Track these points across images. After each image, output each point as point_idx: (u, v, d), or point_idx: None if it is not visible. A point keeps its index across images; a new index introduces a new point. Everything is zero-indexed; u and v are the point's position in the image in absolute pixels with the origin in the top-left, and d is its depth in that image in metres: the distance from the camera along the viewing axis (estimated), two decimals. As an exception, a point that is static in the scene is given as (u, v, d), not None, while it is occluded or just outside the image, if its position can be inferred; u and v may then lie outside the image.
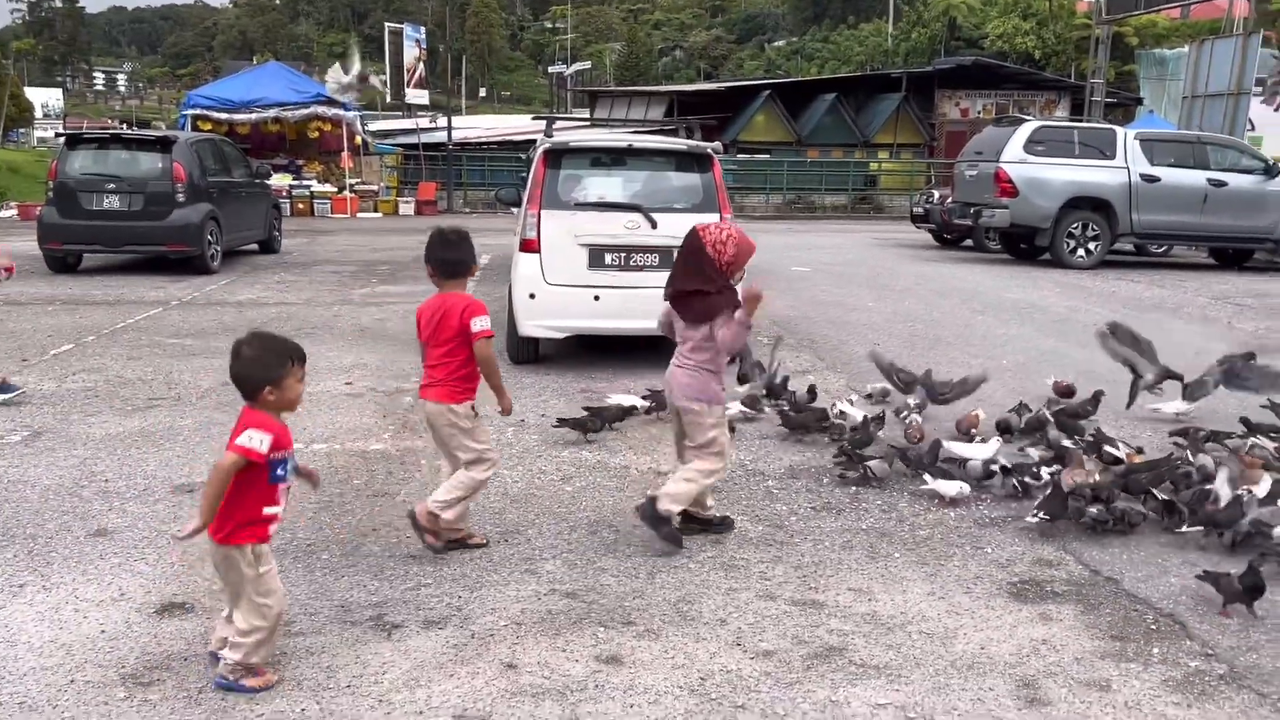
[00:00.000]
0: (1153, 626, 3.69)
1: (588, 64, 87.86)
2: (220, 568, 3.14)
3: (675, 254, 4.56)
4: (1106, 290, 12.71)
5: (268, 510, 3.13)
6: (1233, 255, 16.34)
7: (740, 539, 4.46)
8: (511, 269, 8.05)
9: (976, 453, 5.19)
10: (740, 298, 4.22)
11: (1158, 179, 14.80)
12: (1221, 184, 14.86)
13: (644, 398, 6.32)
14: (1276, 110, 21.81)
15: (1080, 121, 20.04)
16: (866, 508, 4.87)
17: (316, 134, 24.59)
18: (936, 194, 18.59)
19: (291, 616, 3.54)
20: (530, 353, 7.93)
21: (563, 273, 7.50)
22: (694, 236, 4.26)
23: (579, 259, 7.52)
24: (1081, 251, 14.94)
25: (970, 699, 3.18)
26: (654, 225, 7.49)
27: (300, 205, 24.03)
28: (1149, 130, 17.12)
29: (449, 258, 4.14)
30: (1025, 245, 16.19)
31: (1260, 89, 19.18)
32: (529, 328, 7.61)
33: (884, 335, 9.11)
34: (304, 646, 3.41)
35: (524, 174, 11.23)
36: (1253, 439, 5.49)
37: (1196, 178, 14.91)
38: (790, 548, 4.38)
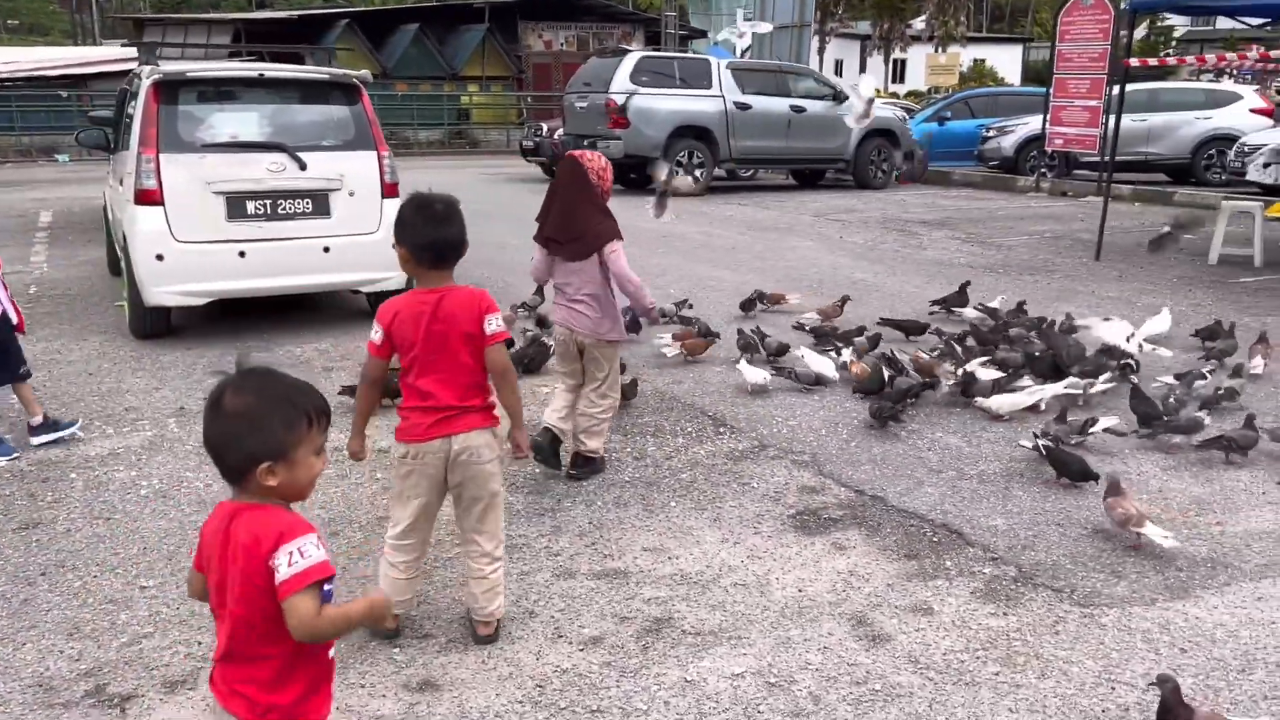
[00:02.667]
0: (935, 539, 3.79)
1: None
2: None
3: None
4: (724, 215, 13.38)
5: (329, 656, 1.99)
6: (809, 175, 17.94)
7: (508, 513, 4.00)
8: (122, 226, 6.75)
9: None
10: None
11: (750, 106, 15.78)
12: (801, 110, 16.16)
13: None
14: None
15: (660, 51, 20.87)
16: (620, 458, 4.59)
17: None
18: (545, 126, 18.54)
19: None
20: (161, 324, 6.73)
21: (196, 228, 6.38)
22: (576, 165, 4.07)
23: (215, 210, 6.43)
24: (690, 178, 15.62)
25: (817, 650, 3.04)
26: (303, 166, 6.59)
27: None
28: (739, 60, 18.19)
29: (442, 237, 2.89)
30: (635, 175, 16.65)
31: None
32: (159, 295, 6.41)
33: (516, 266, 8.81)
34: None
35: (105, 112, 9.57)
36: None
37: (781, 104, 16.08)
38: (563, 515, 4.01)
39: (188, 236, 6.36)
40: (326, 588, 1.84)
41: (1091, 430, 4.59)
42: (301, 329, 6.95)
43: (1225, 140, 17.09)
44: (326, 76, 7.00)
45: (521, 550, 3.70)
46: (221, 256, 6.45)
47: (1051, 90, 15.58)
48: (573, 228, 4.10)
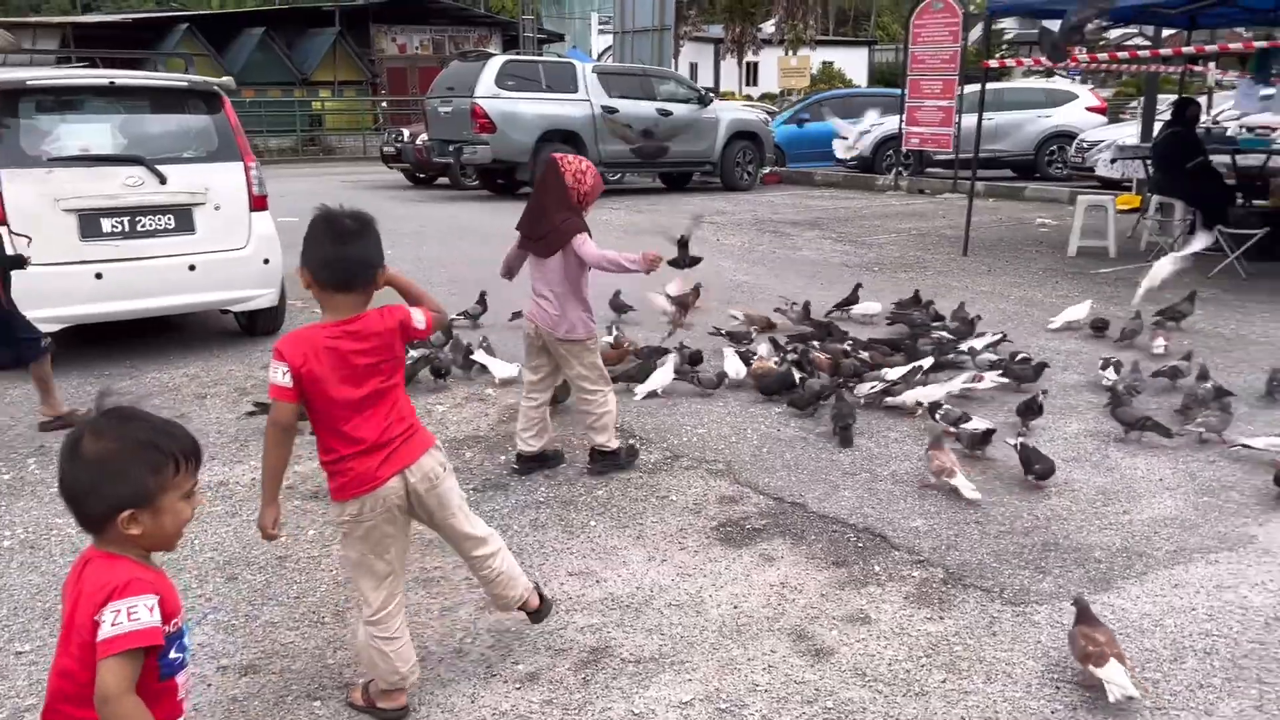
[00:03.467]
0: (859, 544, 3.77)
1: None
2: None
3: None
4: (601, 219, 13.27)
5: None
6: (676, 178, 18.03)
7: (420, 544, 3.79)
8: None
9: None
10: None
11: (616, 110, 15.74)
12: (668, 113, 16.22)
13: None
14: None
15: (524, 55, 20.63)
16: (532, 478, 4.43)
17: None
18: (407, 132, 18.07)
19: None
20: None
21: (46, 249, 5.88)
22: (555, 167, 4.13)
23: (67, 229, 5.94)
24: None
25: (763, 669, 2.96)
26: (163, 180, 6.17)
27: None
28: (605, 64, 18.13)
29: (345, 255, 2.55)
30: (503, 180, 16.42)
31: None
32: (6, 323, 5.88)
33: (438, 282, 8.50)
34: None
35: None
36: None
37: (648, 108, 16.10)
38: (519, 552, 3.81)
39: (36, 259, 5.84)
40: (173, 655, 1.77)
41: (964, 425, 4.69)
42: (168, 354, 6.51)
43: (1065, 137, 18.02)
44: (185, 84, 6.56)
45: (440, 584, 3.50)
46: (75, 279, 5.96)
47: (906, 91, 16.13)
48: (541, 225, 4.15)
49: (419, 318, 2.66)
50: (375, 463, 2.58)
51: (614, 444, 4.44)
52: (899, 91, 23.11)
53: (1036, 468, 4.21)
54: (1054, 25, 7.79)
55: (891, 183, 17.00)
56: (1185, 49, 10.03)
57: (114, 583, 1.68)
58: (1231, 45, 9.52)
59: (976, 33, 17.66)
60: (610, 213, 14.00)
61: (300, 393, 2.49)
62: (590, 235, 4.14)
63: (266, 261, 6.58)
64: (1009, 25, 39.80)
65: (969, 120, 15.23)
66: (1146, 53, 10.70)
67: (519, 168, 15.32)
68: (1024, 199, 15.14)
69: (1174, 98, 11.78)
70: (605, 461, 4.46)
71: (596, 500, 4.19)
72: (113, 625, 1.65)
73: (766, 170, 17.81)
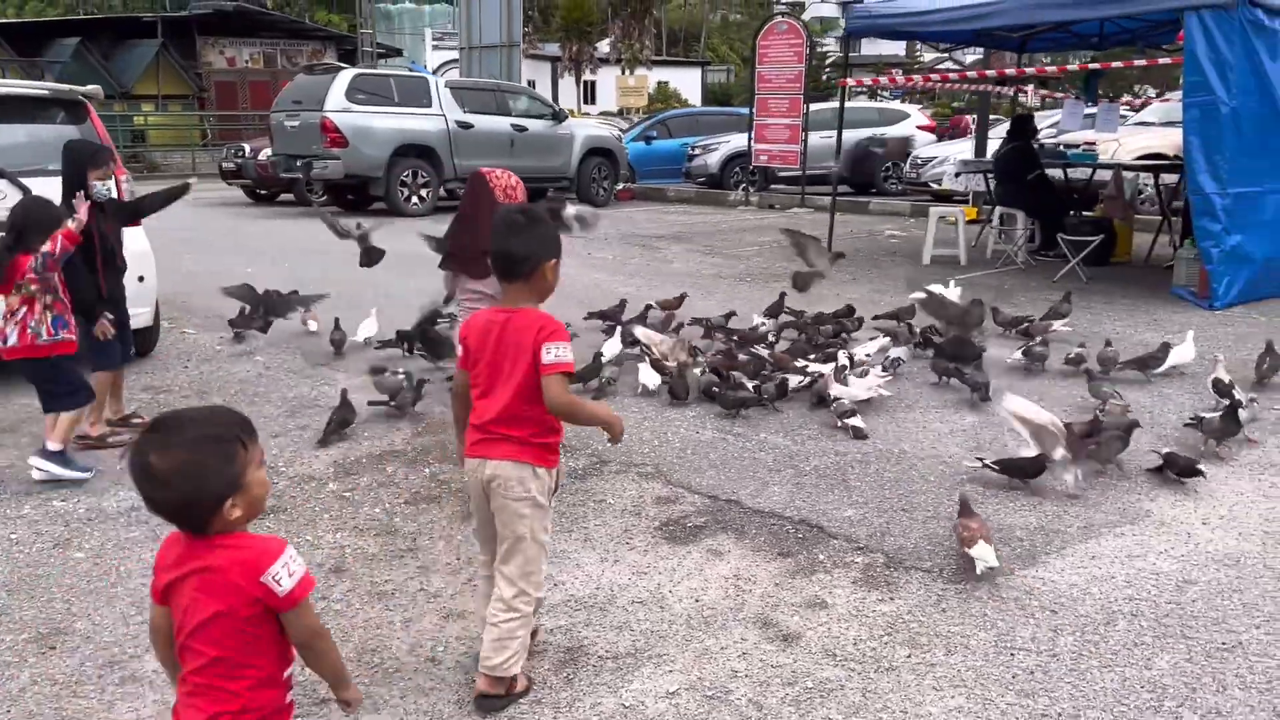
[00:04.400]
0: (799, 536, 3.91)
1: None
2: None
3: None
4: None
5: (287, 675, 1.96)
6: (531, 194, 18.01)
7: (365, 560, 3.71)
8: None
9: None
10: None
11: (472, 125, 15.66)
12: (524, 129, 16.24)
13: None
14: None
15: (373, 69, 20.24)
16: (462, 489, 4.39)
17: None
18: (249, 147, 17.41)
19: None
20: None
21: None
22: (482, 183, 4.00)
23: (-82, 245, 5.50)
24: (415, 199, 15.24)
25: (738, 656, 3.05)
26: (26, 193, 5.78)
27: None
28: (458, 79, 17.98)
29: (500, 249, 2.73)
30: (353, 196, 16.05)
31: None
32: None
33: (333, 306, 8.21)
34: None
35: None
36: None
37: (503, 124, 16.09)
38: (426, 553, 3.77)
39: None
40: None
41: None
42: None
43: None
44: (47, 93, 6.20)
45: (396, 595, 3.44)
46: (-71, 299, 5.52)
47: (754, 109, 16.70)
48: (474, 246, 3.98)
49: (551, 355, 2.61)
50: (472, 439, 2.75)
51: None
52: (743, 110, 24.01)
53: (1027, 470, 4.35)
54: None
55: (742, 198, 17.52)
56: (1028, 70, 10.82)
57: (260, 550, 1.81)
58: (1067, 67, 10.31)
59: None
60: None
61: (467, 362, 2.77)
62: None
63: (141, 279, 6.24)
64: (831, 48, 41.57)
65: (813, 137, 15.97)
66: (976, 74, 11.47)
67: (372, 183, 15.03)
68: (869, 212, 15.88)
69: (1001, 116, 12.74)
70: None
71: (534, 507, 4.18)
72: (290, 577, 1.81)
73: (620, 187, 18.05)
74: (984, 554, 3.46)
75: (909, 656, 3.05)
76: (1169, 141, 12.71)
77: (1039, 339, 6.34)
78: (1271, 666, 2.96)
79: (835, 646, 3.11)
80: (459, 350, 2.83)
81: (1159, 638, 3.13)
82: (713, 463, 4.68)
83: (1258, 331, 7.08)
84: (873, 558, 3.72)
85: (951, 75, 10.53)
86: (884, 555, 3.74)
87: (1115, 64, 10.12)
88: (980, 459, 4.47)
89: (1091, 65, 9.71)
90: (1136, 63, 9.01)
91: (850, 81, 10.60)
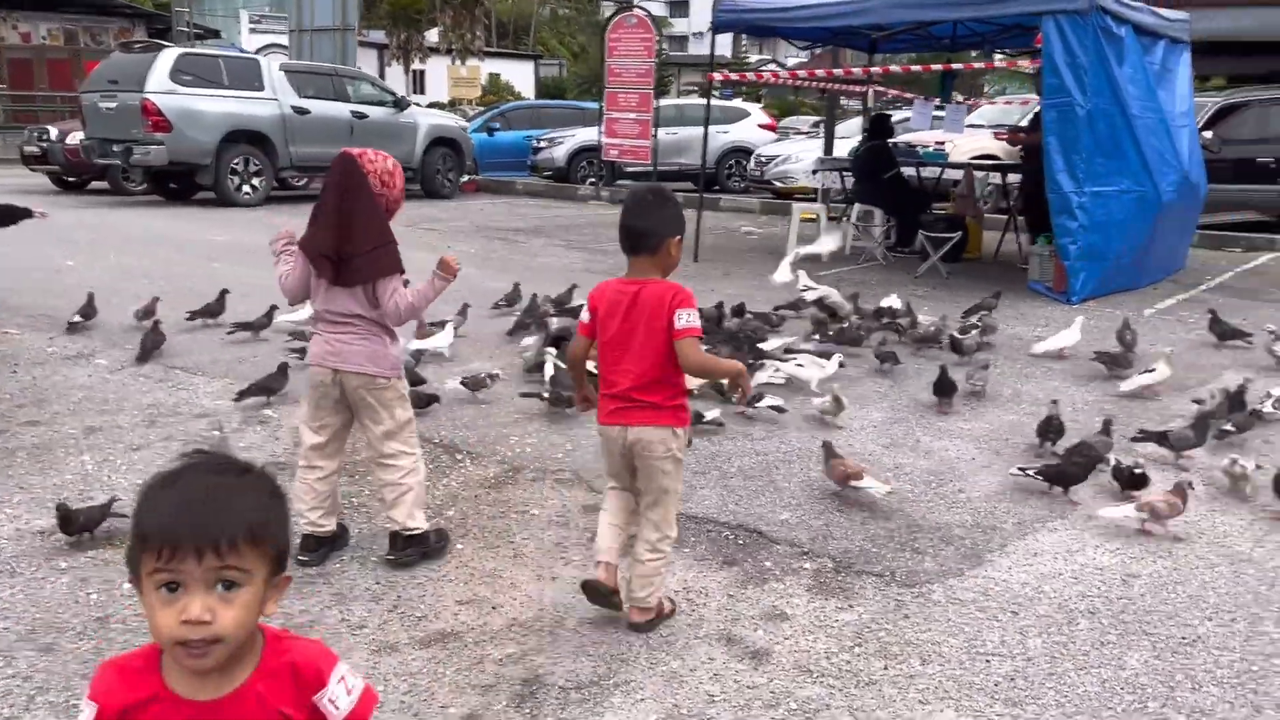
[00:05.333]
0: (740, 542, 3.73)
1: None
2: None
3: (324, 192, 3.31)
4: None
5: None
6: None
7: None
8: None
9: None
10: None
11: (308, 111, 14.83)
12: (364, 115, 15.50)
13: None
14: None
15: (206, 49, 18.93)
16: (365, 503, 3.98)
17: None
18: (55, 130, 15.93)
19: None
20: None
21: None
22: (352, 165, 3.21)
23: None
24: (247, 188, 14.31)
25: (709, 678, 2.84)
26: None
27: None
28: (293, 62, 16.98)
29: (627, 225, 2.98)
30: (176, 185, 14.97)
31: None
32: None
33: (135, 295, 7.44)
34: None
35: None
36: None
37: (342, 110, 15.32)
38: (340, 579, 3.38)
39: None
40: None
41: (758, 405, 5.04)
42: None
43: (742, 152, 19.28)
44: None
45: (314, 629, 3.05)
46: None
47: (604, 104, 16.50)
48: (346, 244, 3.23)
49: (684, 320, 2.85)
50: (609, 408, 2.98)
51: (422, 524, 3.45)
52: (583, 104, 23.78)
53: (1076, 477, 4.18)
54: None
55: (592, 193, 17.30)
56: (893, 68, 11.04)
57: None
58: (922, 66, 10.56)
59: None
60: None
61: (594, 330, 3.01)
62: (402, 275, 3.35)
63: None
64: (666, 49, 42.02)
65: (660, 133, 15.92)
66: (843, 72, 11.66)
67: (200, 170, 14.02)
68: (720, 209, 15.96)
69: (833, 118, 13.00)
70: (411, 548, 3.42)
71: (452, 522, 3.84)
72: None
73: (465, 179, 17.53)
74: (872, 483, 3.94)
75: (885, 668, 2.90)
76: (999, 144, 13.33)
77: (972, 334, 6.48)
78: (1235, 660, 2.97)
79: (807, 661, 2.93)
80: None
81: (1122, 635, 3.10)
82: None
83: (1113, 325, 7.41)
84: (820, 563, 3.57)
85: (818, 73, 10.60)
86: (830, 560, 3.59)
87: (977, 65, 10.49)
88: (1021, 468, 4.31)
89: (955, 66, 9.97)
90: (996, 64, 9.25)
91: (717, 76, 10.49)
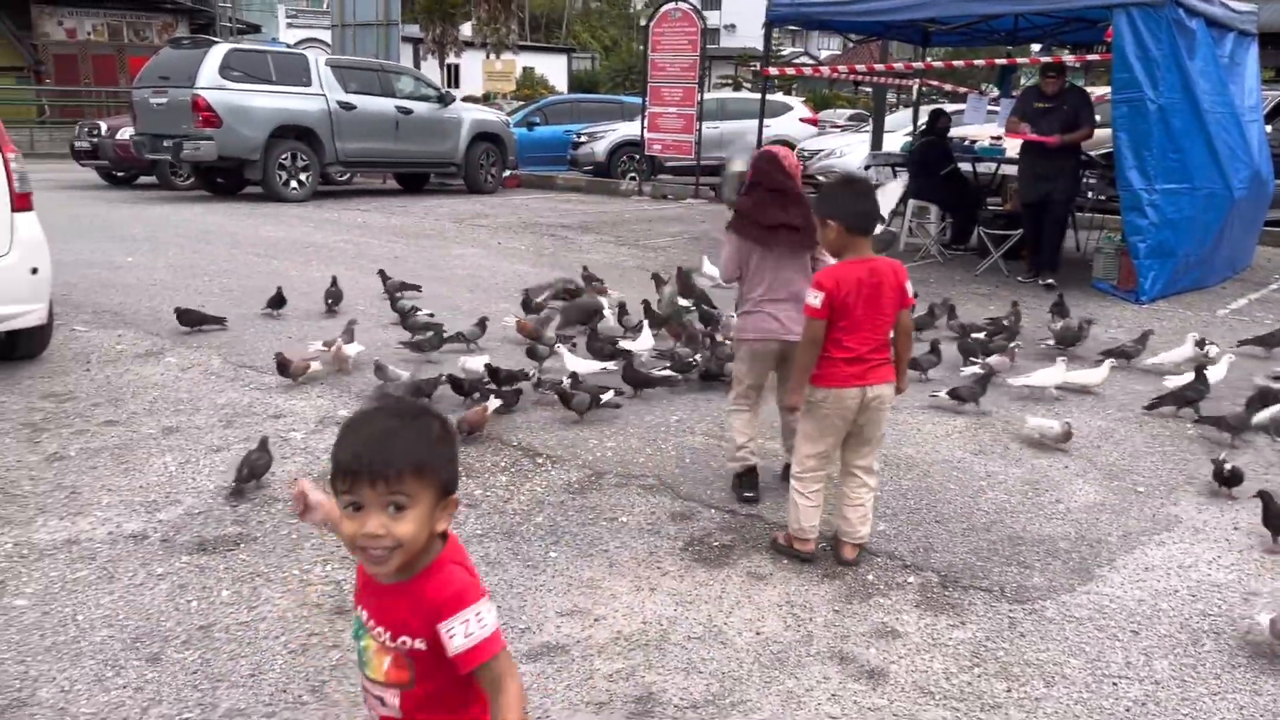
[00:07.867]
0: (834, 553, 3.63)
1: None
2: None
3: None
4: (356, 222, 12.42)
5: None
6: (412, 179, 17.27)
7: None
8: None
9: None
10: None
11: (354, 106, 14.81)
12: (409, 111, 15.48)
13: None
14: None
15: (254, 45, 19.01)
16: (472, 505, 3.93)
17: None
18: (105, 125, 16.04)
19: None
20: None
21: None
22: (776, 161, 3.93)
23: None
24: (294, 183, 14.33)
25: (827, 699, 2.75)
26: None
27: None
28: (339, 58, 16.99)
29: (865, 210, 3.34)
30: (223, 180, 15.01)
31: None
32: None
33: (199, 292, 7.45)
34: None
35: None
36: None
37: (387, 105, 15.27)
38: (491, 596, 3.31)
39: None
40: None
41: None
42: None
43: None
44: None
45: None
46: None
47: (647, 98, 16.40)
48: (791, 213, 3.83)
49: (912, 289, 3.40)
50: (852, 372, 3.31)
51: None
52: (622, 98, 23.70)
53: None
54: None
55: (634, 188, 17.21)
56: (935, 64, 10.84)
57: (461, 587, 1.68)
58: (975, 61, 10.37)
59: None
60: (362, 214, 13.17)
61: (830, 311, 3.25)
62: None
63: (34, 271, 5.47)
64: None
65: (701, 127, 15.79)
66: (904, 66, 11.51)
67: (249, 166, 14.04)
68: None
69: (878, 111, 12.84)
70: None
71: (540, 528, 3.77)
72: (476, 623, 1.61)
73: (507, 174, 17.48)
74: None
75: (1009, 690, 2.80)
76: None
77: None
78: (1378, 686, 2.85)
79: (926, 682, 2.84)
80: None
81: (1252, 658, 2.98)
82: (716, 473, 4.34)
83: (1187, 326, 7.23)
84: (925, 577, 3.47)
85: (877, 67, 10.44)
86: (935, 574, 3.49)
87: (1021, 60, 10.33)
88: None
89: (1020, 61, 9.79)
90: (1065, 58, 9.06)
91: (773, 71, 10.35)
